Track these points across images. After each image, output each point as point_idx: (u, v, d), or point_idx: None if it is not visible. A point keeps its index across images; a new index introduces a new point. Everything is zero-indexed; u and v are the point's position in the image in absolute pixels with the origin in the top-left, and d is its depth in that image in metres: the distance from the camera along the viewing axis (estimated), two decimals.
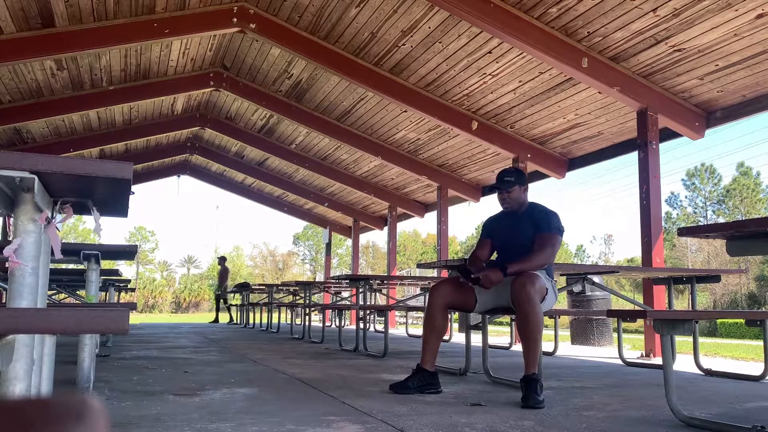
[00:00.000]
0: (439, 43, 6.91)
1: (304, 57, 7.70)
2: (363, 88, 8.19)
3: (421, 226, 71.28)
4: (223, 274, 15.87)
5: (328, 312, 12.61)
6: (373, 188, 12.56)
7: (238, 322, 14.43)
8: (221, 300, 15.62)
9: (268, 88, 9.60)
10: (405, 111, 8.80)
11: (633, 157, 6.77)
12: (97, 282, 3.25)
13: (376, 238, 62.95)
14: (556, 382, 3.82)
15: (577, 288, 4.61)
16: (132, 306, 3.34)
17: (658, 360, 5.65)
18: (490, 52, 6.81)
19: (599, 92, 6.74)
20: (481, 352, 4.01)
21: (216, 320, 15.67)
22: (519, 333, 3.29)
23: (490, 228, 3.74)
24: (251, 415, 2.53)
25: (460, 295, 3.47)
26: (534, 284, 3.14)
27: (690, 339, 5.84)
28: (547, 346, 6.01)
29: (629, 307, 5.62)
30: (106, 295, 6.60)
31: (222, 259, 16.27)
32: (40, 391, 1.71)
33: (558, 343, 6.19)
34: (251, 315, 12.74)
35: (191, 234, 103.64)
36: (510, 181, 3.54)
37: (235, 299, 16.47)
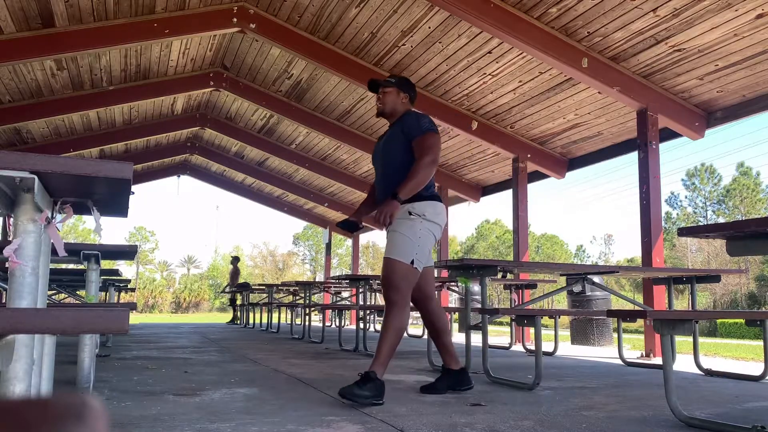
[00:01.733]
0: (439, 43, 6.91)
1: (304, 57, 7.70)
2: (363, 88, 8.18)
3: None
4: (235, 274, 15.85)
5: (328, 312, 12.61)
6: (373, 188, 12.55)
7: (239, 322, 14.43)
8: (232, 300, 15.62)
9: (268, 88, 9.60)
10: None
11: (633, 157, 6.77)
12: (97, 282, 3.25)
13: (376, 238, 62.99)
14: (556, 382, 3.82)
15: (577, 288, 4.61)
16: (132, 306, 3.34)
17: (658, 360, 5.65)
18: (490, 52, 6.81)
19: (599, 92, 6.74)
20: (481, 352, 4.01)
21: (234, 320, 15.57)
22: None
23: (374, 154, 3.39)
24: (251, 415, 2.53)
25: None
26: (391, 284, 2.99)
27: (690, 339, 5.85)
28: (547, 346, 6.01)
29: (629, 307, 5.62)
30: (106, 295, 6.60)
31: (235, 259, 16.25)
32: (40, 391, 1.71)
33: (558, 343, 6.19)
34: (251, 315, 12.74)
35: (191, 234, 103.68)
36: (390, 81, 3.28)
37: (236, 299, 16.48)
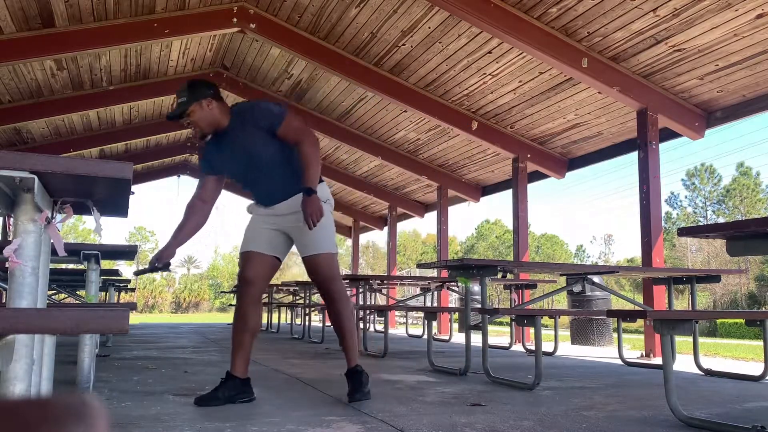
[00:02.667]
0: (439, 43, 6.91)
1: (304, 57, 7.70)
2: (363, 88, 8.18)
3: (421, 226, 71.34)
4: None
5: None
6: (373, 188, 12.56)
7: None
8: None
9: (268, 88, 9.60)
10: (405, 111, 8.80)
11: (633, 157, 6.77)
12: (97, 282, 3.25)
13: (376, 238, 62.96)
14: (556, 382, 3.82)
15: (577, 288, 4.61)
16: (132, 306, 3.34)
17: (658, 360, 5.65)
18: (490, 52, 6.81)
19: (599, 92, 6.74)
20: (481, 352, 4.01)
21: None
22: (337, 327, 2.93)
23: (211, 162, 2.98)
24: (251, 415, 2.53)
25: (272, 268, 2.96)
26: (335, 277, 2.88)
27: (690, 339, 5.84)
28: (547, 346, 6.01)
29: (629, 307, 5.62)
30: (106, 295, 6.60)
31: None
32: (40, 391, 1.71)
33: (558, 343, 6.19)
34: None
35: None
36: (183, 103, 2.79)
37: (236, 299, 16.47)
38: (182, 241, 2.96)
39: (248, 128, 2.83)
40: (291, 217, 2.90)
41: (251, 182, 2.98)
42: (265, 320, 11.48)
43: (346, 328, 2.93)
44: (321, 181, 2.90)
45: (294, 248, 3.07)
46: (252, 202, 3.09)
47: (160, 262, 2.84)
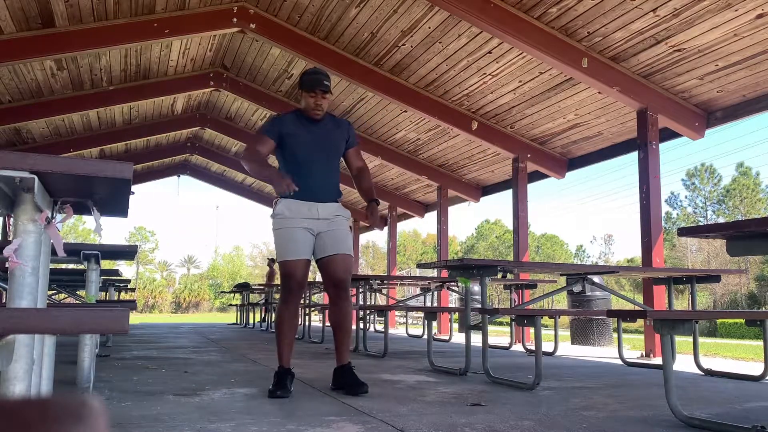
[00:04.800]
0: (439, 43, 6.91)
1: (304, 57, 7.70)
2: (363, 88, 8.18)
3: (421, 226, 71.33)
4: (271, 275, 15.76)
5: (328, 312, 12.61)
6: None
7: (238, 321, 14.44)
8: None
9: (268, 88, 9.60)
10: (405, 111, 8.80)
11: (633, 157, 6.77)
12: (97, 282, 3.25)
13: (376, 238, 63.00)
14: (556, 382, 3.82)
15: (577, 288, 4.61)
16: (132, 305, 3.34)
17: (658, 360, 5.65)
18: (490, 52, 6.81)
19: (599, 92, 6.74)
20: (481, 352, 4.01)
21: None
22: (339, 325, 3.28)
23: (283, 131, 3.27)
24: (251, 415, 2.53)
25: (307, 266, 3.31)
26: (350, 278, 3.34)
27: (690, 339, 5.84)
28: (547, 346, 6.01)
29: (629, 307, 5.62)
30: (106, 295, 6.60)
31: (271, 261, 16.18)
32: (40, 391, 1.71)
33: (558, 343, 6.19)
34: (251, 315, 12.75)
35: (191, 234, 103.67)
36: (328, 85, 3.26)
37: (235, 299, 16.47)
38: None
39: (339, 131, 3.39)
40: (324, 222, 3.27)
41: (316, 167, 3.28)
42: (265, 320, 11.48)
43: (350, 327, 3.34)
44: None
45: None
46: (288, 201, 3.23)
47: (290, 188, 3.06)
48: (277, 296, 11.08)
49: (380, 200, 3.40)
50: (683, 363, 5.02)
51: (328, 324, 14.17)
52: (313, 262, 3.33)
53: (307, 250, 3.22)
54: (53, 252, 1.65)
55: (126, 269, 59.74)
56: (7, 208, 1.44)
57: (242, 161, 3.23)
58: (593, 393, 3.37)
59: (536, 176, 9.01)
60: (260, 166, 3.19)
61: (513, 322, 6.52)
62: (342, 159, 3.44)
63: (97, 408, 0.29)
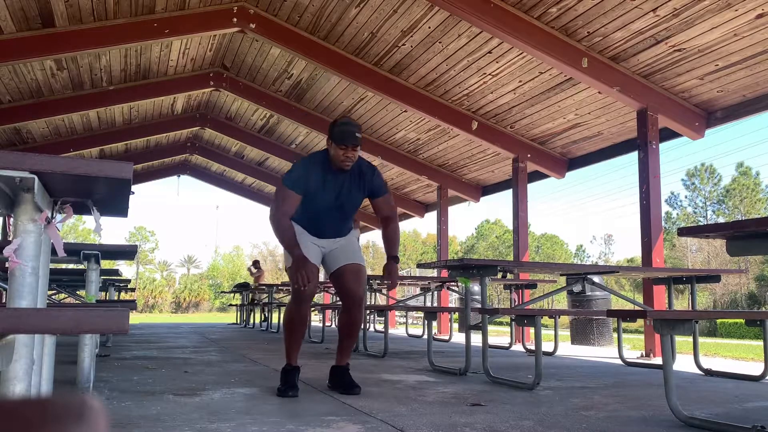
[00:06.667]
0: (439, 43, 6.91)
1: (304, 57, 7.70)
2: (363, 88, 8.18)
3: (421, 226, 71.36)
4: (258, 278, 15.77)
5: (328, 312, 12.61)
6: None
7: (238, 321, 14.43)
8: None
9: (268, 88, 9.60)
10: (405, 111, 8.80)
11: (633, 157, 6.77)
12: (97, 282, 3.25)
13: (376, 238, 62.93)
14: (556, 382, 3.82)
15: (577, 288, 4.61)
16: (132, 305, 3.34)
17: (658, 360, 5.65)
18: (490, 52, 6.81)
19: (599, 92, 6.74)
20: (481, 352, 4.01)
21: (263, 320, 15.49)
22: (347, 332, 3.37)
23: (309, 188, 3.17)
24: (251, 415, 2.53)
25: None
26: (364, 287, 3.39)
27: (690, 339, 5.84)
28: (547, 346, 6.01)
29: (629, 307, 5.62)
30: (106, 295, 6.60)
31: (254, 264, 16.17)
32: (40, 391, 1.71)
33: (558, 343, 6.19)
34: (251, 315, 12.75)
35: (191, 234, 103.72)
36: (360, 139, 3.15)
37: (235, 299, 16.47)
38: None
39: (362, 182, 3.27)
40: (332, 241, 3.37)
41: (328, 217, 3.29)
42: (266, 320, 11.47)
43: (357, 334, 3.44)
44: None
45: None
46: (298, 227, 3.28)
47: (313, 283, 3.11)
48: (277, 296, 11.09)
49: (399, 259, 3.37)
50: (683, 363, 5.02)
51: (329, 324, 14.17)
52: (325, 274, 3.46)
53: (316, 259, 3.27)
54: (53, 252, 1.65)
55: (126, 269, 59.74)
56: (7, 208, 1.44)
57: (271, 221, 3.16)
58: (593, 393, 3.37)
59: (536, 176, 9.01)
60: (290, 242, 3.10)
61: (513, 322, 6.51)
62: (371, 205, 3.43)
63: (97, 408, 0.29)
